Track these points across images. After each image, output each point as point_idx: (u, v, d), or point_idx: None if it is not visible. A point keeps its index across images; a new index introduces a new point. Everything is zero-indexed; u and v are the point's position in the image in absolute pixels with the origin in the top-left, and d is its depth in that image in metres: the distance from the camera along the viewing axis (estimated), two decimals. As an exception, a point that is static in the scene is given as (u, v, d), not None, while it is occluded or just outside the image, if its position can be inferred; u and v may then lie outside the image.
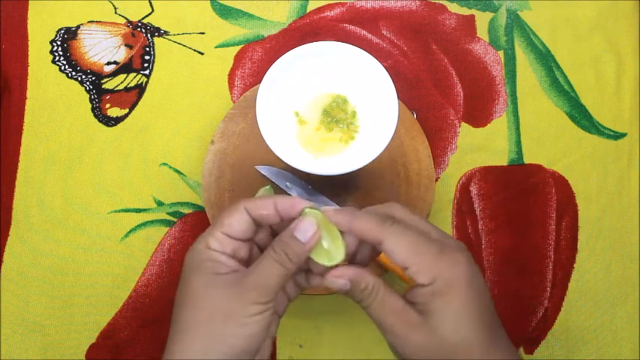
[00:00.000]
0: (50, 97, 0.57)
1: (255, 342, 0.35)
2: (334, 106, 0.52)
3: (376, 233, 0.35)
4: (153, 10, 0.59)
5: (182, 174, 0.56)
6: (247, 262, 0.38)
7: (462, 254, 0.35)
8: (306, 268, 0.38)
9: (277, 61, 0.49)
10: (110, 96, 0.57)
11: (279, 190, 0.53)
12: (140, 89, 0.58)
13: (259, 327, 0.35)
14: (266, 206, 0.37)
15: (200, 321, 0.35)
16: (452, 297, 0.34)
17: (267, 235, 0.39)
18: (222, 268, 0.36)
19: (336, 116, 0.52)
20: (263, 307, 0.35)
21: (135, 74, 0.58)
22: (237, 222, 0.37)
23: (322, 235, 0.37)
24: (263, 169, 0.53)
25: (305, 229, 0.36)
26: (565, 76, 0.58)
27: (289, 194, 0.53)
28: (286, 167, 0.49)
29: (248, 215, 0.37)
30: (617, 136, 0.57)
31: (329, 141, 0.52)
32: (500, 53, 0.59)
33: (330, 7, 0.59)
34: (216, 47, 0.58)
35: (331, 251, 0.37)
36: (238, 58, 0.58)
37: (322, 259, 0.37)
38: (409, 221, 0.37)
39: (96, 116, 0.57)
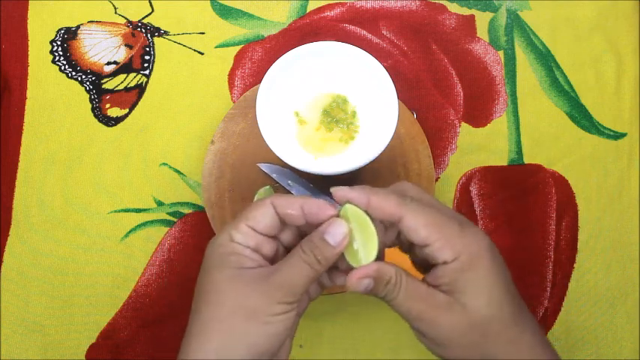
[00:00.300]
0: (50, 97, 0.57)
1: (276, 342, 0.34)
2: (334, 106, 0.52)
3: (395, 209, 0.34)
4: (153, 10, 0.59)
5: (182, 174, 0.56)
6: (272, 261, 0.36)
7: (479, 229, 0.35)
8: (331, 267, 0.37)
9: (277, 61, 0.49)
10: (110, 96, 0.57)
11: (280, 189, 0.53)
12: (140, 89, 0.58)
13: (283, 327, 0.34)
14: (294, 206, 0.35)
15: (221, 317, 0.33)
16: (478, 271, 0.33)
17: (294, 235, 0.38)
18: (247, 262, 0.35)
19: (336, 116, 0.52)
20: (288, 307, 0.34)
21: (135, 74, 0.58)
22: (262, 216, 0.35)
23: (355, 235, 0.35)
24: (265, 167, 0.53)
25: (336, 232, 0.35)
26: (565, 76, 0.58)
27: (291, 193, 0.53)
28: (287, 165, 0.49)
29: (274, 211, 0.36)
30: (617, 136, 0.57)
31: (329, 141, 0.52)
32: (500, 53, 0.59)
33: (330, 7, 0.59)
34: (216, 47, 0.58)
35: (360, 252, 0.35)
36: (238, 58, 0.58)
37: (352, 260, 0.36)
38: (424, 199, 0.36)
39: (96, 116, 0.57)
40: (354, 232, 0.35)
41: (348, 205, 0.35)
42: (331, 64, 0.50)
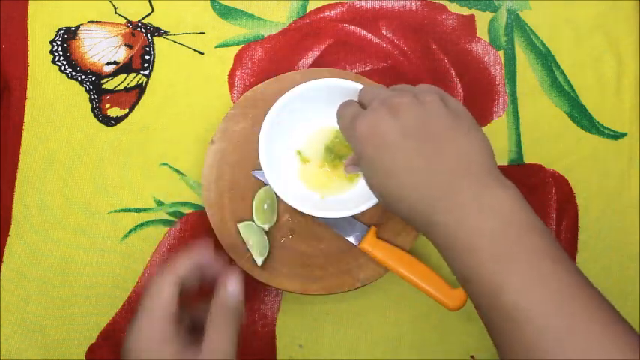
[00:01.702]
0: (50, 97, 0.57)
1: None
2: (336, 142, 0.52)
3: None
4: (153, 10, 0.59)
5: (182, 174, 0.56)
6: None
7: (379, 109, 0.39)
8: None
9: (276, 103, 0.49)
10: (110, 96, 0.57)
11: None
12: (140, 89, 0.58)
13: None
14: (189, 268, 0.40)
15: None
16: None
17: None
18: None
19: (339, 152, 0.52)
20: None
21: (135, 74, 0.58)
22: (170, 297, 0.39)
23: (266, 200, 0.52)
24: (259, 175, 0.53)
25: (232, 280, 0.40)
26: (565, 76, 0.58)
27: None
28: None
29: (176, 286, 0.40)
30: (617, 136, 0.57)
31: (334, 179, 0.52)
32: (500, 53, 0.59)
33: (330, 7, 0.59)
34: (216, 47, 0.58)
35: (267, 213, 0.52)
36: (238, 58, 0.58)
37: (261, 220, 0.51)
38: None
39: (96, 116, 0.57)
40: (266, 200, 0.52)
41: (259, 192, 0.52)
42: (330, 100, 0.48)
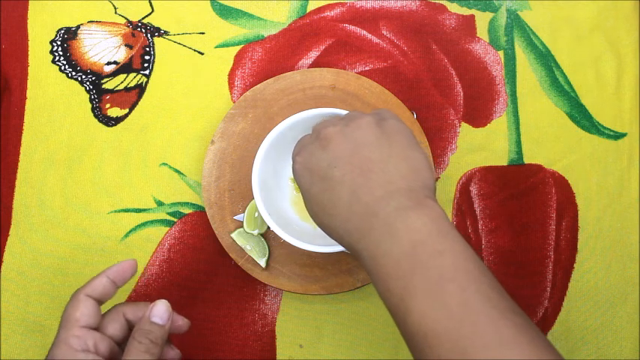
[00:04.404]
0: (50, 97, 0.57)
1: None
2: None
3: None
4: (153, 10, 0.59)
5: (182, 174, 0.56)
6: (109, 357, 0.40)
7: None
8: None
9: (270, 132, 0.49)
10: (110, 96, 0.57)
11: None
12: (140, 89, 0.58)
13: None
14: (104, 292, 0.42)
15: None
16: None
17: (121, 327, 0.42)
18: None
19: None
20: None
21: (135, 74, 0.58)
22: (86, 309, 0.40)
23: (254, 209, 0.52)
24: (240, 217, 0.53)
25: (160, 311, 0.41)
26: (565, 76, 0.58)
27: None
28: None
29: (92, 299, 0.41)
30: (617, 136, 0.57)
31: None
32: (500, 53, 0.59)
33: (330, 7, 0.59)
34: (216, 47, 0.58)
35: (258, 221, 0.52)
36: (238, 58, 0.58)
37: (251, 227, 0.52)
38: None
39: (96, 116, 0.57)
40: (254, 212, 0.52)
41: (252, 201, 0.52)
42: None
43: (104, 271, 0.43)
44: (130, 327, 0.43)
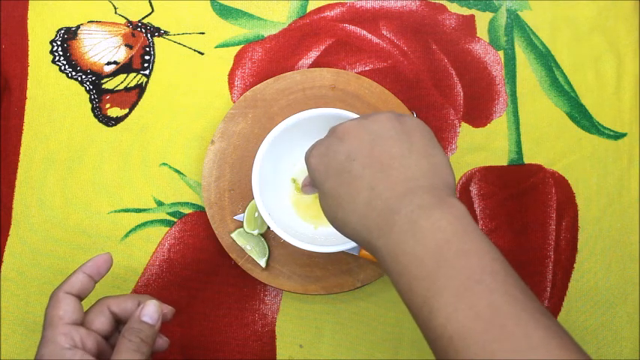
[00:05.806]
0: (50, 97, 0.57)
1: None
2: None
3: None
4: (153, 10, 0.59)
5: (182, 174, 0.56)
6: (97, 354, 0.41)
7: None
8: None
9: (270, 132, 0.49)
10: (110, 96, 0.57)
11: None
12: (140, 89, 0.58)
13: None
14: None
15: None
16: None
17: (107, 320, 0.43)
18: None
19: None
20: None
21: (135, 74, 0.58)
22: (68, 307, 0.41)
23: (254, 209, 0.51)
24: (241, 217, 0.53)
25: (150, 312, 0.41)
26: (565, 76, 0.58)
27: None
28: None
29: (72, 296, 0.41)
30: (617, 136, 0.57)
31: None
32: (500, 53, 0.59)
33: (330, 7, 0.59)
34: (216, 47, 0.58)
35: (259, 220, 0.51)
36: (238, 58, 0.58)
37: (251, 227, 0.52)
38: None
39: (96, 116, 0.57)
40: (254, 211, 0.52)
41: (252, 201, 0.52)
42: (325, 128, 0.47)
43: (80, 268, 0.43)
44: (116, 320, 0.43)
